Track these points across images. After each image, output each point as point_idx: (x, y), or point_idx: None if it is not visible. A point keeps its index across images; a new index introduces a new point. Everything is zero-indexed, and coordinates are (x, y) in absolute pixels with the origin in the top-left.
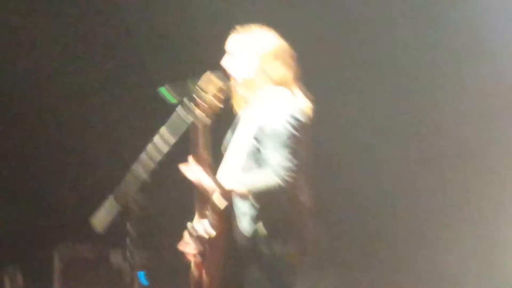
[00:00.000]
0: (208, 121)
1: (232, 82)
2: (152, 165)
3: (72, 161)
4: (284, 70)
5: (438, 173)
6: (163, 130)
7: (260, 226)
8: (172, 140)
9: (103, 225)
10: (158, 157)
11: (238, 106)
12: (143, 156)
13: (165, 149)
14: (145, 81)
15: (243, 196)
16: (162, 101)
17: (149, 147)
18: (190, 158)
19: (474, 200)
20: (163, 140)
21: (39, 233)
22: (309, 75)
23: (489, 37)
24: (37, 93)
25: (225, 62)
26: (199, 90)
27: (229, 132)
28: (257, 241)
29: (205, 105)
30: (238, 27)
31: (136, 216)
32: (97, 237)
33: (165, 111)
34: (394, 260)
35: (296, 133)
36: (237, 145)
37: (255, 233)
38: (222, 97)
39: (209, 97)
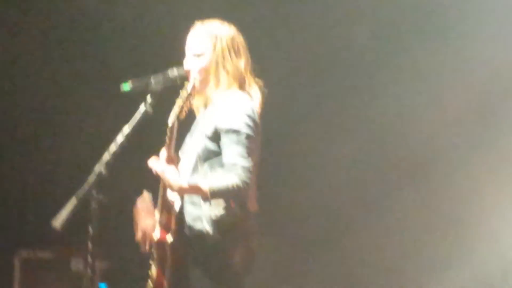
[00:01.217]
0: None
1: (191, 84)
2: (108, 157)
3: (35, 166)
4: (240, 62)
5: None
6: (125, 128)
7: (212, 231)
8: (127, 130)
9: (61, 222)
10: (113, 148)
11: (197, 110)
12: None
13: (119, 139)
14: (110, 80)
15: (202, 197)
16: (127, 99)
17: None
18: (162, 152)
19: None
20: (121, 134)
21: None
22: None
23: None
24: None
25: (185, 62)
26: (184, 89)
27: (187, 136)
28: (207, 246)
29: (187, 105)
30: (196, 22)
31: (97, 215)
32: (59, 243)
33: (130, 110)
34: (349, 266)
35: (251, 133)
36: (193, 147)
37: (205, 238)
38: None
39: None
